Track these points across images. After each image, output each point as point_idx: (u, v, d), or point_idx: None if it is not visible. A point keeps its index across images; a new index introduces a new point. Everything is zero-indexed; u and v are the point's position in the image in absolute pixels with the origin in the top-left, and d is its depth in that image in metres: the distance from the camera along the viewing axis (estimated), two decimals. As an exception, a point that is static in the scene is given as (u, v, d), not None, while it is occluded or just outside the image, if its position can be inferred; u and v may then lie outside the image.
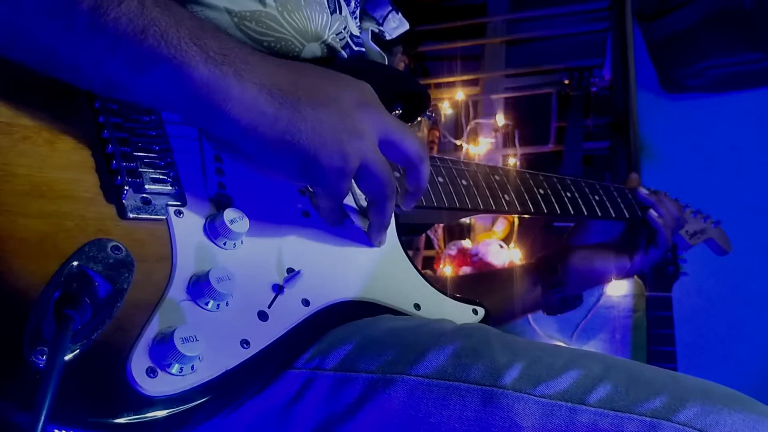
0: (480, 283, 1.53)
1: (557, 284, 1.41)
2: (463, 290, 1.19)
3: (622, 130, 2.92)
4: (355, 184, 0.89)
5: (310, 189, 0.92)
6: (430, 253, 3.08)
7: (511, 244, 2.93)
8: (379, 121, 0.84)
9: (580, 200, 1.33)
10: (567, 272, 1.40)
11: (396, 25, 1.19)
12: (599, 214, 1.35)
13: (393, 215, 0.95)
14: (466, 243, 2.99)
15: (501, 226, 3.01)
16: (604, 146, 3.03)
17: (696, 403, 0.73)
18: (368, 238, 0.94)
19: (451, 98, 3.26)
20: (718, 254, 1.71)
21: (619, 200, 1.40)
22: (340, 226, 0.92)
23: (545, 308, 1.47)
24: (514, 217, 2.97)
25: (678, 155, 2.86)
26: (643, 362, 0.88)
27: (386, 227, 0.94)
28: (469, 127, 3.21)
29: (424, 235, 3.04)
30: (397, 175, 0.98)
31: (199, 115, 0.76)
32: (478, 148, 3.17)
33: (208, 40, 0.73)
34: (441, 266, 2.92)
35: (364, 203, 0.96)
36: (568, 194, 1.32)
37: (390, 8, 1.19)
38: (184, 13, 0.74)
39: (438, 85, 3.32)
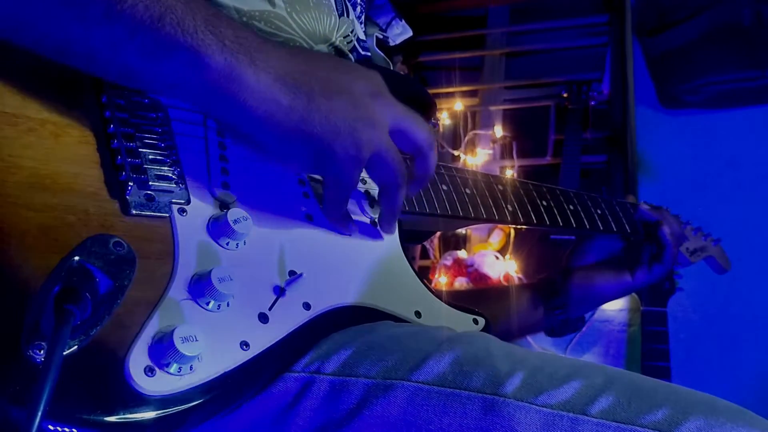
0: (479, 300, 1.52)
1: (559, 306, 1.39)
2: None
3: (619, 144, 2.93)
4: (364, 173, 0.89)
5: (319, 177, 0.91)
6: (425, 263, 3.08)
7: (507, 256, 2.93)
8: (391, 110, 0.85)
9: (582, 213, 1.32)
10: (568, 294, 1.38)
11: (399, 32, 1.20)
12: (601, 227, 1.34)
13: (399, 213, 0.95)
14: (462, 253, 2.98)
15: (497, 237, 3.01)
16: (602, 160, 3.04)
17: (699, 416, 0.73)
18: (376, 231, 0.94)
19: (450, 109, 3.27)
20: (718, 272, 1.70)
21: (621, 215, 1.40)
22: (341, 224, 0.91)
23: (547, 330, 1.44)
24: (510, 229, 2.97)
25: (675, 170, 2.87)
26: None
27: (397, 216, 0.94)
28: (467, 138, 3.22)
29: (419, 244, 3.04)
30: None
31: (214, 104, 0.75)
32: (476, 159, 3.17)
33: (224, 28, 0.73)
34: (436, 276, 2.92)
35: (372, 192, 0.96)
36: (571, 207, 1.31)
37: (393, 15, 1.19)
38: (198, 1, 0.74)
39: (437, 96, 3.32)
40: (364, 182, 1.00)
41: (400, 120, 0.86)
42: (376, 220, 0.96)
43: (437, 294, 1.00)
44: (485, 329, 1.03)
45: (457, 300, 1.49)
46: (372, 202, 0.98)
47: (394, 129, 0.85)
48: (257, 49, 0.75)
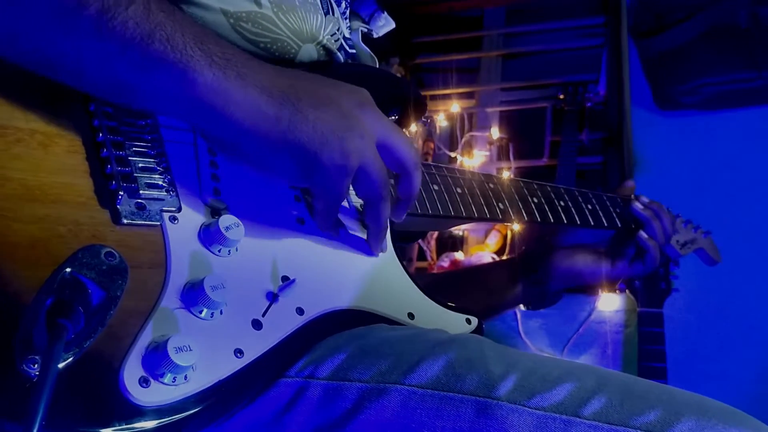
0: (461, 281, 1.53)
1: (537, 282, 1.41)
2: (444, 288, 1.18)
3: (615, 145, 2.93)
4: (351, 191, 0.89)
5: (308, 197, 0.91)
6: (422, 264, 3.08)
7: (504, 257, 2.93)
8: (378, 124, 0.85)
9: (573, 209, 1.33)
10: (547, 271, 1.40)
11: (382, 24, 1.20)
12: (592, 223, 1.36)
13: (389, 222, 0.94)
14: (459, 255, 2.98)
15: (494, 238, 3.01)
16: (598, 161, 3.04)
17: (691, 418, 0.73)
18: (369, 248, 0.94)
19: (447, 110, 3.27)
20: (708, 264, 1.70)
21: (611, 209, 1.41)
22: (334, 234, 0.92)
23: (525, 303, 1.46)
24: (507, 230, 2.97)
25: (671, 172, 2.87)
26: (634, 378, 0.88)
27: (384, 233, 0.93)
28: (463, 140, 3.22)
29: (416, 246, 3.04)
30: (392, 182, 0.97)
31: (202, 118, 0.76)
32: (473, 160, 3.18)
33: (211, 44, 0.74)
34: (434, 278, 2.92)
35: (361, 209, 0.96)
36: (562, 203, 1.32)
37: (375, 7, 1.20)
38: (186, 18, 0.75)
39: (434, 97, 3.32)
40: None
41: (386, 135, 0.86)
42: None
43: (432, 295, 1.00)
44: (478, 328, 1.03)
45: (439, 283, 1.50)
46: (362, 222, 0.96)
47: (379, 143, 0.85)
48: (244, 65, 0.76)
